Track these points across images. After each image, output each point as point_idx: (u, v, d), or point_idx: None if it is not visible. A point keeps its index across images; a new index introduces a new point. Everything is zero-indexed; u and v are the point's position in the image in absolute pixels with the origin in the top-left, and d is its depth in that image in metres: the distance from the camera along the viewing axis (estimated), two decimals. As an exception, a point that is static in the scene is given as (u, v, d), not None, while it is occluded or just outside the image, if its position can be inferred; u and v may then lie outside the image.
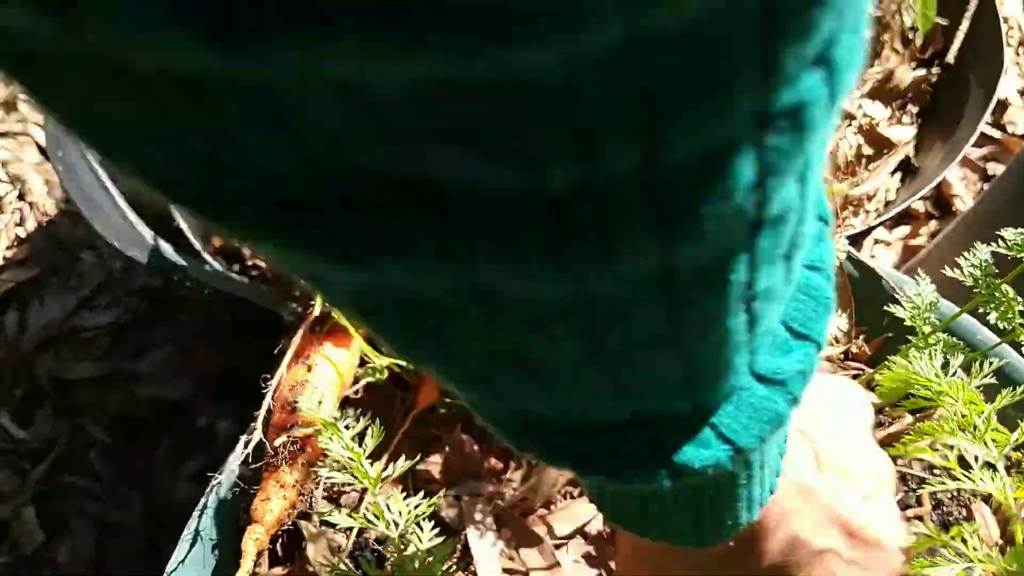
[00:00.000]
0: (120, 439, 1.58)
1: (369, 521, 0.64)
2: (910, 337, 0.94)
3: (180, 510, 1.53)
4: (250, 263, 1.15)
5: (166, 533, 1.50)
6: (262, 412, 0.79)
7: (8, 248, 1.76)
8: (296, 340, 0.82)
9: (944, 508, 1.14)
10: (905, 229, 1.91)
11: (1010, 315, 0.84)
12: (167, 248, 1.00)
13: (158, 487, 1.54)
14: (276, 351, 0.84)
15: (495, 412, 0.39)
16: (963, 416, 0.75)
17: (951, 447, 0.73)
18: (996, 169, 2.00)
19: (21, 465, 1.55)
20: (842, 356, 1.11)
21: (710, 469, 0.38)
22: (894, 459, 1.15)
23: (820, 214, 0.43)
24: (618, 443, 0.39)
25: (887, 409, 1.18)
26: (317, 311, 0.83)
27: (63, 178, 1.00)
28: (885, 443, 1.15)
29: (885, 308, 0.94)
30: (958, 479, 0.74)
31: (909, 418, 1.15)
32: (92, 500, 1.53)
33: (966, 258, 0.88)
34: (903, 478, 1.16)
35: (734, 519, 0.49)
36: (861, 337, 1.12)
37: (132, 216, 0.99)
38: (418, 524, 0.66)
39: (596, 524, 0.96)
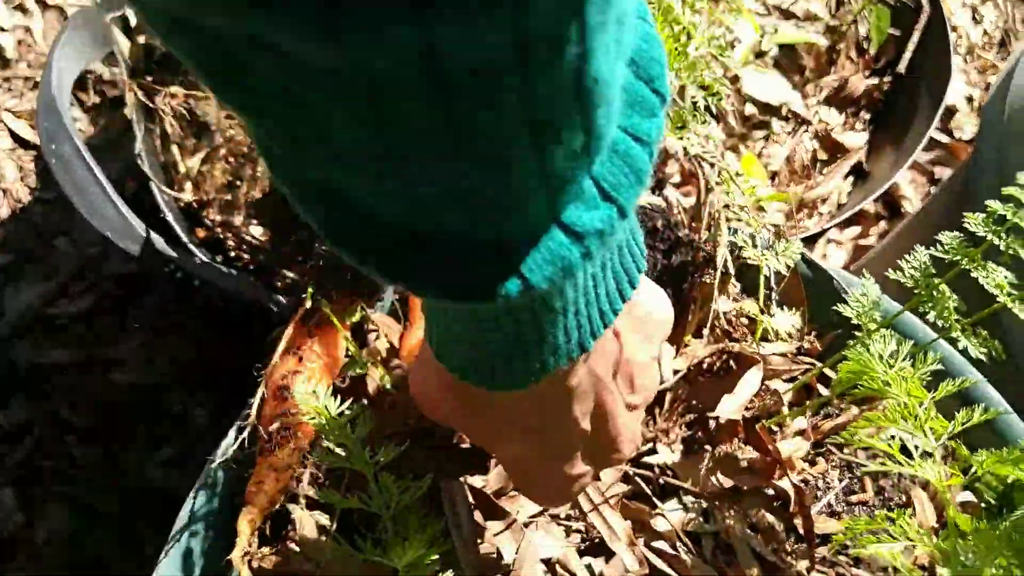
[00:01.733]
0: (96, 424, 1.61)
1: (364, 503, 0.69)
2: (857, 334, 1.01)
3: (154, 494, 1.58)
4: (233, 254, 1.19)
5: (141, 517, 1.54)
6: (256, 400, 0.83)
7: (-18, 235, 1.78)
8: (288, 332, 0.87)
9: (886, 494, 1.22)
10: (856, 230, 1.99)
11: (946, 313, 0.92)
12: (159, 240, 1.03)
13: (133, 472, 1.58)
14: (269, 339, 0.88)
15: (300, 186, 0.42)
16: (905, 406, 0.82)
17: (893, 437, 0.79)
18: (944, 173, 2.09)
19: (-2, 449, 1.58)
20: (795, 352, 1.18)
21: (501, 299, 0.42)
22: (840, 448, 1.23)
23: (641, 15, 0.45)
24: (420, 258, 0.42)
25: (835, 401, 1.25)
26: (308, 303, 0.88)
27: (56, 171, 1.03)
28: (832, 432, 1.23)
29: (833, 308, 1.01)
30: (900, 464, 0.81)
31: (855, 410, 1.23)
32: (68, 484, 1.56)
33: (907, 260, 0.95)
34: (848, 466, 1.24)
35: (542, 363, 0.54)
36: (813, 334, 1.20)
37: (125, 209, 1.03)
38: (408, 508, 0.71)
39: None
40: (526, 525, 0.98)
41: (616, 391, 0.66)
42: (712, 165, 1.10)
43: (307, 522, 0.87)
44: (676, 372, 1.08)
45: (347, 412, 0.74)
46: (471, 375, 0.56)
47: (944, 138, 2.16)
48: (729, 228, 1.12)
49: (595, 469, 0.73)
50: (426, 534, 0.68)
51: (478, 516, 0.94)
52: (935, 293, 0.94)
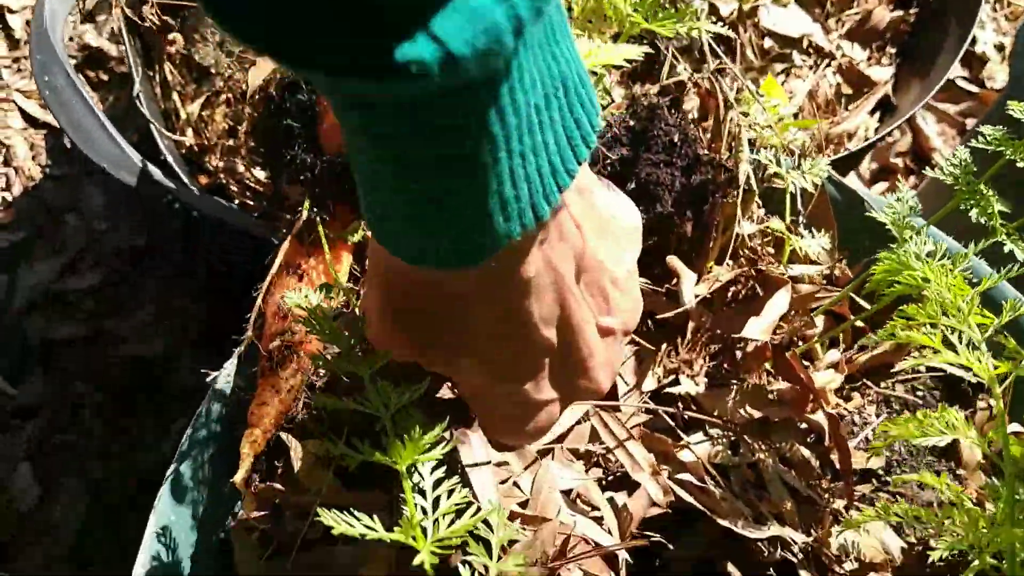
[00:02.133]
0: (108, 398, 1.58)
1: (361, 405, 0.65)
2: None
3: (165, 469, 1.54)
4: (237, 201, 1.15)
5: (155, 490, 1.50)
6: (253, 314, 0.79)
7: (-6, 213, 1.76)
8: (285, 248, 0.83)
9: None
10: (883, 185, 1.93)
11: (989, 211, 0.86)
12: (156, 172, 1.00)
13: (146, 444, 1.55)
14: (267, 260, 0.84)
15: None
16: (948, 302, 0.76)
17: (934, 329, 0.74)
18: (974, 124, 2.03)
19: (12, 423, 1.55)
20: (824, 279, 1.13)
21: (415, 67, 0.37)
22: (875, 383, 1.17)
23: None
24: (324, 31, 0.37)
25: (869, 335, 1.19)
26: (304, 216, 0.83)
27: (51, 104, 1.00)
28: (870, 365, 1.17)
29: (867, 215, 0.95)
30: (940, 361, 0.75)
31: (888, 344, 1.16)
32: (83, 458, 1.53)
33: (946, 158, 0.89)
34: (886, 401, 1.18)
35: (490, 223, 0.48)
36: (843, 260, 1.13)
37: (121, 140, 0.99)
38: (407, 410, 0.67)
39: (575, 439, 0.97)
40: (542, 455, 0.93)
41: (581, 298, 0.60)
42: (733, 80, 1.05)
43: (303, 451, 0.83)
44: (698, 297, 1.03)
45: (344, 313, 0.69)
46: (416, 249, 0.50)
47: (974, 88, 2.10)
48: (752, 147, 1.07)
49: (564, 399, 0.65)
50: (429, 435, 0.63)
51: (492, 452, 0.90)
52: (977, 192, 0.88)
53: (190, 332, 1.63)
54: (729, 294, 1.08)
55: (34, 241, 1.74)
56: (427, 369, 0.66)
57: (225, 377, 0.84)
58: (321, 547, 0.83)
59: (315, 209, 0.83)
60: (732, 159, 1.04)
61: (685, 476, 0.99)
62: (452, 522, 0.63)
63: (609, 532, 0.92)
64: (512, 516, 0.83)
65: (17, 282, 1.69)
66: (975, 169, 0.88)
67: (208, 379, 0.79)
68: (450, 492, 0.64)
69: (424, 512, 0.63)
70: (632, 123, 1.04)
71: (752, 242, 1.08)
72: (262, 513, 0.82)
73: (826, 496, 1.05)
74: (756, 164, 1.08)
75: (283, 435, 0.81)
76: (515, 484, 0.90)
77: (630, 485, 0.98)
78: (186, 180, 1.08)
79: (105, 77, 1.92)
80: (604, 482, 0.97)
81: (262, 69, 1.03)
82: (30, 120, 1.87)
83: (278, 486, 0.81)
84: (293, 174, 0.85)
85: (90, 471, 1.52)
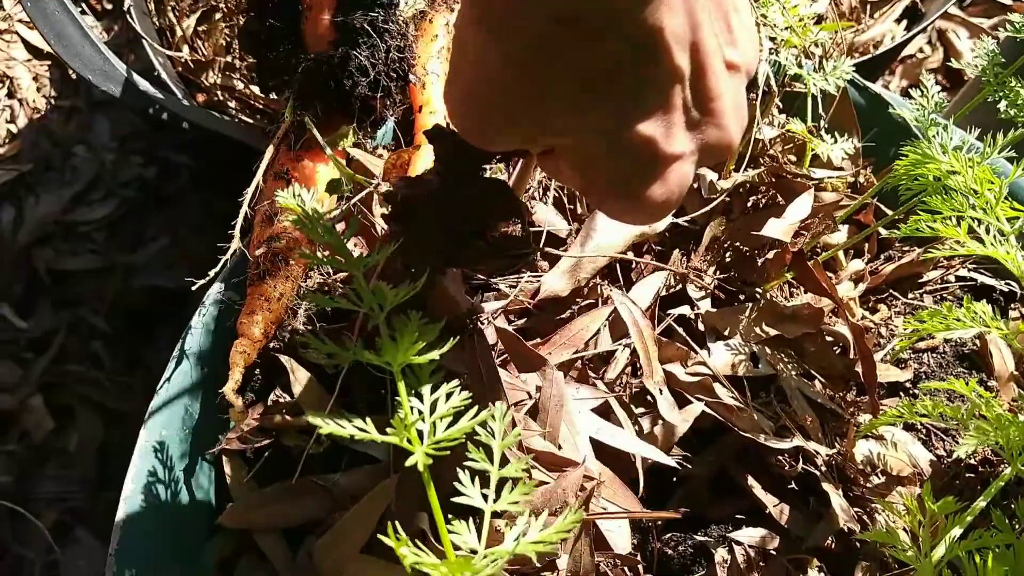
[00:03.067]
0: (120, 329, 1.56)
1: (354, 303, 0.61)
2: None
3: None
4: (236, 118, 1.11)
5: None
6: (239, 220, 0.76)
7: (0, 145, 1.73)
8: (269, 151, 0.79)
9: (957, 339, 1.10)
10: (914, 99, 1.85)
11: (1020, 102, 0.80)
12: (143, 83, 0.96)
13: (158, 375, 1.53)
14: (253, 168, 0.80)
15: None
16: (975, 192, 0.71)
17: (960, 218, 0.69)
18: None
19: (24, 356, 1.53)
20: (848, 186, 1.07)
21: None
22: (903, 294, 1.12)
23: None
24: None
25: (897, 244, 1.14)
26: (288, 119, 0.79)
27: (33, 16, 0.96)
28: (896, 276, 1.12)
29: (890, 111, 0.90)
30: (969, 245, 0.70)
31: (916, 251, 1.11)
32: (96, 388, 1.52)
33: (973, 49, 0.84)
34: (913, 312, 1.12)
35: None
36: (868, 168, 1.08)
37: (107, 51, 0.95)
38: (404, 310, 0.63)
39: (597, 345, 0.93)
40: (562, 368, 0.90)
41: (711, 26, 0.51)
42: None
43: (299, 372, 0.80)
44: (722, 192, 0.97)
45: (334, 213, 0.65)
46: None
47: (1009, 0, 2.01)
48: (772, 47, 1.01)
49: (693, 154, 0.54)
50: (428, 333, 0.60)
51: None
52: (1006, 84, 0.82)
53: (204, 264, 1.60)
54: (749, 203, 1.03)
55: (41, 173, 1.72)
56: (530, 148, 0.59)
57: (217, 291, 0.81)
58: (319, 473, 0.80)
59: (299, 112, 0.79)
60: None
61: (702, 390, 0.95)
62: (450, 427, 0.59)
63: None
64: (538, 457, 0.80)
65: (25, 214, 1.67)
66: (1003, 60, 0.82)
67: (193, 287, 0.75)
68: (448, 396, 0.61)
69: (420, 415, 0.59)
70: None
71: (773, 148, 1.03)
72: (254, 427, 0.80)
73: (851, 410, 1.01)
74: (776, 66, 1.02)
75: (281, 357, 0.78)
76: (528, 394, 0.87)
77: (647, 403, 0.94)
78: (175, 87, 1.04)
79: (109, 5, 1.87)
80: (625, 398, 0.94)
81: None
82: (34, 51, 1.83)
83: (281, 400, 0.78)
84: (275, 75, 0.81)
85: (104, 401, 1.51)
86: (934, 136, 0.79)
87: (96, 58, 0.94)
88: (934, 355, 1.09)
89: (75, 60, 0.94)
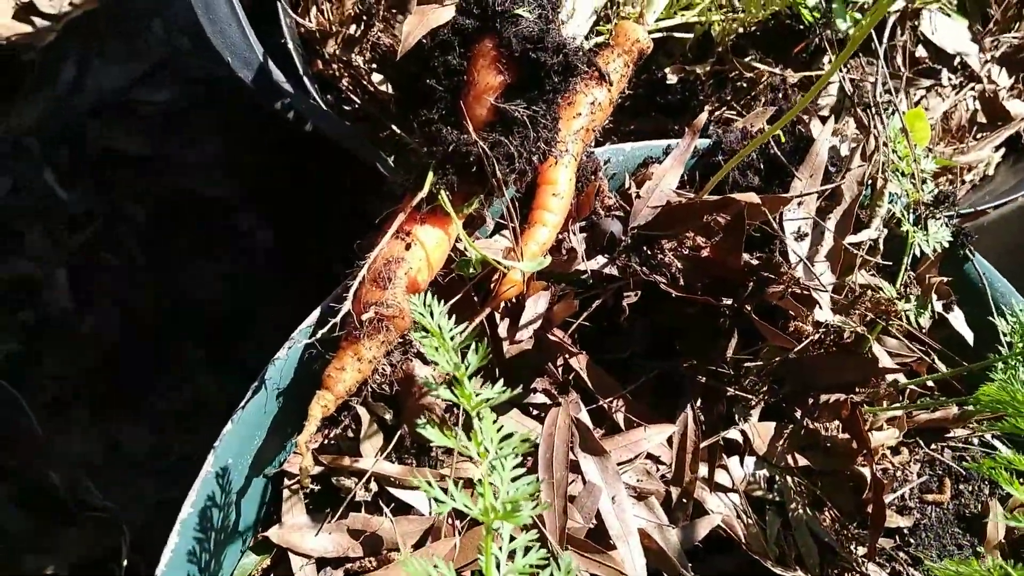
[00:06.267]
0: (158, 225, 1.55)
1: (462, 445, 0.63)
2: (1003, 353, 0.91)
3: (197, 311, 1.53)
4: (344, 96, 1.09)
5: (180, 331, 1.49)
6: (355, 284, 0.76)
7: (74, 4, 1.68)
8: (400, 219, 0.79)
9: (963, 500, 1.15)
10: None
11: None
12: (277, 74, 0.94)
13: (187, 282, 1.53)
14: (377, 221, 0.80)
15: None
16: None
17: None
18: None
19: (58, 229, 1.52)
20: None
21: None
22: (926, 443, 1.16)
23: None
24: None
25: (937, 393, 1.17)
26: (425, 191, 0.79)
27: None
28: (923, 426, 1.16)
29: (988, 318, 0.91)
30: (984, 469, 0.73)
31: (955, 408, 1.14)
32: (121, 281, 1.51)
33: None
34: (931, 463, 1.16)
35: None
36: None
37: (251, 35, 0.92)
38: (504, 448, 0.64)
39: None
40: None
41: None
42: (883, 84, 0.98)
43: (370, 426, 0.83)
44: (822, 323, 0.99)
45: (457, 331, 0.66)
46: None
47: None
48: (889, 194, 1.01)
49: None
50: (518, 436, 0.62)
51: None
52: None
53: (253, 178, 1.59)
54: (818, 336, 1.04)
55: (110, 40, 1.67)
56: None
57: (308, 327, 0.82)
58: (369, 511, 0.83)
59: (437, 185, 0.79)
60: (867, 210, 0.99)
61: (720, 496, 1.00)
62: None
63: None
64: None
65: (86, 80, 1.63)
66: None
67: (293, 335, 0.76)
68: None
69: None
70: (773, 150, 1.00)
71: (863, 301, 1.04)
72: (317, 470, 0.82)
73: (849, 546, 1.05)
74: (889, 215, 1.03)
75: (358, 407, 0.80)
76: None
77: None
78: (300, 66, 1.02)
79: None
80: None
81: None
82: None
83: (341, 439, 0.81)
84: (426, 141, 0.81)
85: (127, 296, 1.51)
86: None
87: (239, 40, 0.91)
88: (938, 509, 1.14)
89: (218, 37, 0.91)
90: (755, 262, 0.93)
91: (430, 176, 0.79)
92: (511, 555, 0.62)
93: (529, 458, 0.88)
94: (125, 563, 1.22)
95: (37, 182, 1.55)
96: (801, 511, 1.04)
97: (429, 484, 0.58)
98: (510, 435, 0.63)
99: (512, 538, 0.62)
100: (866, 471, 1.06)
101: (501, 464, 0.62)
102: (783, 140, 1.04)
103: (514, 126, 0.78)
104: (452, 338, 0.65)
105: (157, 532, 0.80)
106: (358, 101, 1.11)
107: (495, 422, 0.63)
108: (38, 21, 1.67)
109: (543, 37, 0.76)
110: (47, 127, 1.60)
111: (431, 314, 0.65)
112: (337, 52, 1.11)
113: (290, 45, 1.00)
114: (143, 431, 1.41)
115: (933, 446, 1.16)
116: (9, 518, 1.28)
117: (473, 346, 0.65)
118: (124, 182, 1.57)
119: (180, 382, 1.46)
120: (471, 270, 0.83)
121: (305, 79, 0.98)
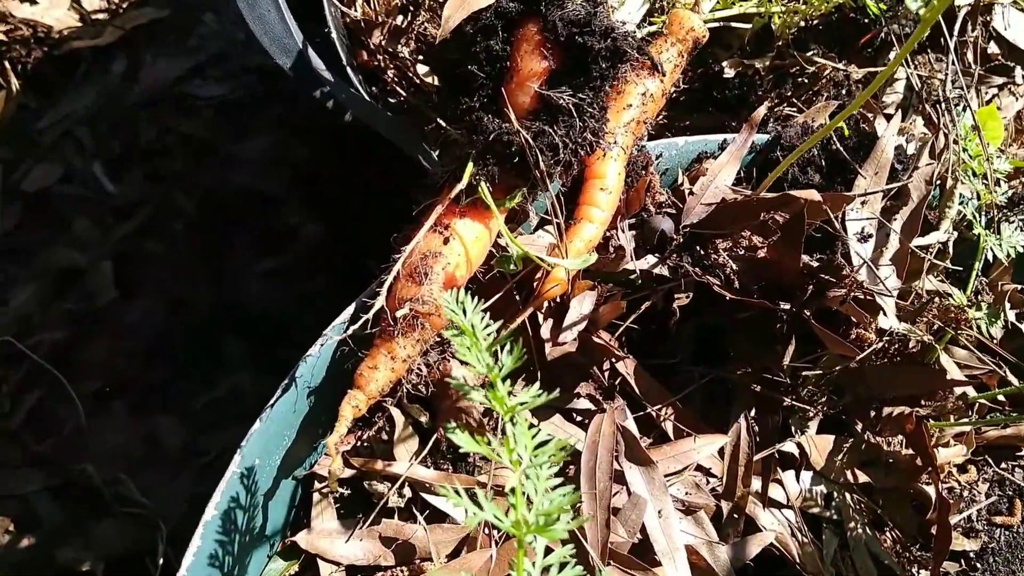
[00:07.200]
0: (206, 218, 1.54)
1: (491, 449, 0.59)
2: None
3: (243, 305, 1.51)
4: (389, 87, 1.06)
5: (223, 324, 1.48)
6: (390, 278, 0.73)
7: (128, -8, 1.68)
8: (437, 209, 0.75)
9: (1035, 523, 1.08)
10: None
11: None
12: (317, 62, 0.91)
13: (230, 274, 1.51)
14: (416, 209, 0.77)
15: None
16: None
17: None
18: None
19: (105, 219, 1.52)
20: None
21: None
22: (996, 461, 1.09)
23: None
24: None
25: (1008, 408, 1.10)
26: (464, 182, 0.75)
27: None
28: (992, 444, 1.09)
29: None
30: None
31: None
32: (168, 271, 1.50)
33: None
34: (1001, 483, 1.10)
35: None
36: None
37: (291, 21, 0.89)
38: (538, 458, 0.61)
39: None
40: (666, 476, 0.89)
41: None
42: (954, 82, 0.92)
43: (405, 429, 0.79)
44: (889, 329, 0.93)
45: (492, 331, 0.62)
46: None
47: None
48: (959, 195, 0.95)
49: None
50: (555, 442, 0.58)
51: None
52: None
53: (303, 173, 1.57)
54: (883, 345, 0.99)
55: (165, 33, 1.67)
56: None
57: (341, 324, 0.79)
58: (402, 518, 0.80)
59: (477, 176, 0.75)
60: (936, 211, 0.93)
61: (773, 513, 0.95)
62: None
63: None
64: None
65: (139, 73, 1.63)
66: None
67: (326, 331, 0.73)
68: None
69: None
70: (835, 147, 0.94)
71: (931, 301, 0.98)
72: (349, 473, 0.79)
73: (911, 569, 0.99)
74: (959, 217, 0.97)
75: (392, 409, 0.77)
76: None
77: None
78: (344, 56, 0.99)
79: None
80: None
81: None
82: None
83: (374, 442, 0.78)
84: (466, 130, 0.77)
85: (172, 286, 1.50)
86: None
87: (278, 27, 0.88)
88: (1008, 532, 1.07)
89: (257, 24, 0.88)
90: (815, 264, 0.88)
91: (469, 166, 0.75)
92: (546, 571, 0.58)
93: (571, 467, 0.84)
94: (161, 560, 1.20)
95: (86, 172, 1.55)
96: (860, 530, 0.99)
97: (458, 493, 0.55)
98: (546, 442, 0.59)
99: (550, 550, 0.58)
100: (931, 489, 1.00)
101: (536, 473, 0.58)
102: (847, 135, 0.98)
103: (559, 115, 0.74)
104: (486, 337, 0.62)
105: (193, 528, 0.78)
106: (403, 93, 1.08)
107: (534, 428, 0.59)
108: (91, 13, 1.67)
109: (590, 21, 0.72)
110: (99, 118, 1.60)
111: (463, 311, 0.61)
112: (383, 43, 1.08)
113: (334, 35, 0.97)
114: (181, 425, 1.39)
115: (1003, 465, 1.10)
116: (43, 509, 1.27)
117: (508, 346, 0.61)
118: (174, 174, 1.56)
119: (221, 376, 1.44)
120: (512, 267, 0.79)
121: (348, 69, 0.95)
